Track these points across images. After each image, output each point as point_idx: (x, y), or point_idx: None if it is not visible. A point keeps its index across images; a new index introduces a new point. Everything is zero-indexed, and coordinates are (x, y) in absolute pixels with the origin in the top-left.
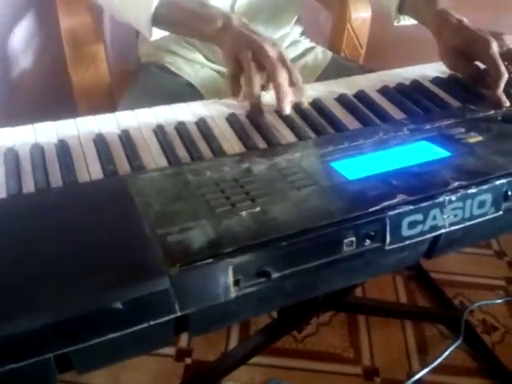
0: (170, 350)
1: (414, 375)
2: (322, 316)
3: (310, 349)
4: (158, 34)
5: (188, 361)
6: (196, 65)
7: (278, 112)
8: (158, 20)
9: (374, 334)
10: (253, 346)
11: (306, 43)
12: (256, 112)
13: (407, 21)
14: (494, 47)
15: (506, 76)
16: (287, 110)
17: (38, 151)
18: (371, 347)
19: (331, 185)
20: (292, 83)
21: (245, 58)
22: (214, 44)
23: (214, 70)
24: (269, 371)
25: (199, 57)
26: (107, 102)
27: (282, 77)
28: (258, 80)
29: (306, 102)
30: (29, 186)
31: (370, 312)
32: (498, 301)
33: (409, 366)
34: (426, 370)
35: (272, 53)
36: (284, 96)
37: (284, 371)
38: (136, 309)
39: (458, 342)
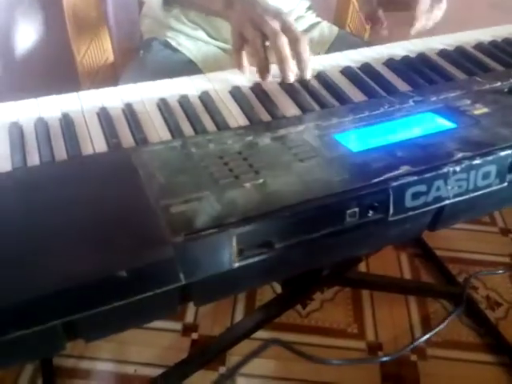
0: (176, 325)
1: (415, 349)
2: (326, 292)
3: (315, 324)
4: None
5: (194, 336)
6: (198, 42)
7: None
8: None
9: (378, 310)
10: (257, 321)
11: (311, 18)
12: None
13: None
14: None
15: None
16: (290, 77)
17: (42, 125)
18: (375, 323)
19: (335, 157)
20: (296, 52)
21: (249, 33)
22: (222, 19)
23: (217, 47)
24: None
25: (201, 34)
26: (110, 79)
27: (281, 41)
28: (260, 48)
29: (309, 75)
30: (33, 160)
31: (373, 287)
32: (500, 272)
33: (412, 341)
34: (426, 337)
35: (272, 21)
36: (284, 62)
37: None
38: (141, 277)
39: (459, 311)
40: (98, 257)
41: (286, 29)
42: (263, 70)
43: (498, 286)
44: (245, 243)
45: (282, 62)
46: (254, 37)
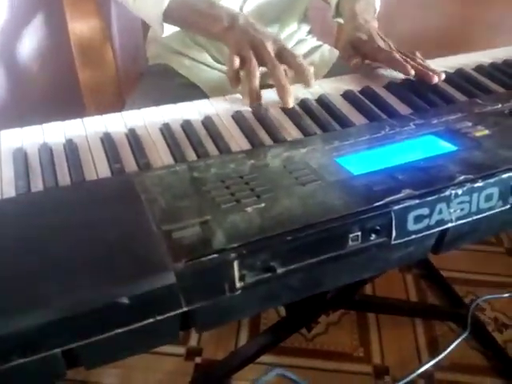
0: (179, 350)
1: (423, 373)
2: (331, 315)
3: (320, 348)
4: (168, 30)
5: (198, 360)
6: (203, 66)
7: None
8: (168, 16)
9: (384, 333)
10: (262, 345)
11: (312, 42)
12: (257, 106)
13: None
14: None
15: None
16: (290, 103)
17: (46, 150)
18: (381, 346)
19: (336, 180)
20: (297, 72)
21: (247, 55)
22: (220, 42)
23: (222, 72)
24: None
25: (207, 57)
26: (116, 103)
27: (280, 71)
28: (257, 74)
29: (312, 83)
30: (37, 185)
31: (379, 310)
32: (506, 295)
33: (419, 364)
34: (431, 363)
35: (271, 48)
36: (283, 90)
37: (294, 370)
38: (142, 304)
39: (465, 335)
40: (99, 283)
41: (283, 55)
42: (253, 93)
43: (506, 308)
44: (246, 268)
45: (280, 92)
46: (252, 58)
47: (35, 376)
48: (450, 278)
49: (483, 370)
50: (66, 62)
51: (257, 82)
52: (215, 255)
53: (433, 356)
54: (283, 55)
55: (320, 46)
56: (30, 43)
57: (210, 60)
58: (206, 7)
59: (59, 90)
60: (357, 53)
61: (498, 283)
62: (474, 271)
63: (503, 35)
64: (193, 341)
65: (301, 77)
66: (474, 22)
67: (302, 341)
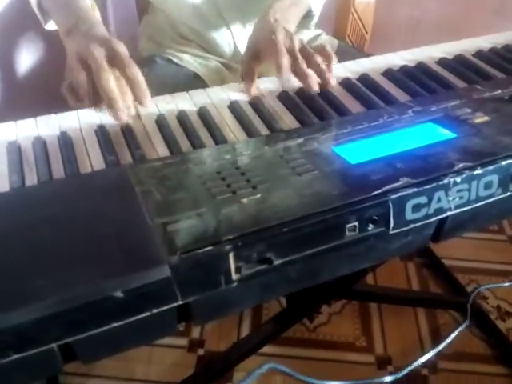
0: (182, 342)
1: (426, 362)
2: (333, 305)
3: (322, 338)
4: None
5: (200, 352)
6: (197, 58)
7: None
8: (42, 8)
9: (387, 322)
10: (264, 335)
11: (312, 30)
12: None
13: None
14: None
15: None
16: (123, 118)
17: (40, 144)
18: (384, 335)
19: (333, 170)
20: (128, 83)
21: (73, 65)
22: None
23: (217, 61)
24: (281, 361)
25: (197, 49)
26: None
27: (104, 78)
28: (110, 78)
29: (148, 104)
30: (31, 179)
31: (381, 300)
32: (507, 283)
33: (422, 353)
34: (434, 352)
35: (98, 52)
36: (112, 102)
37: (296, 361)
38: (137, 297)
39: (465, 324)
40: (93, 277)
41: (115, 62)
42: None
43: (509, 296)
44: (243, 260)
45: (108, 101)
46: (79, 69)
47: (32, 371)
48: (452, 266)
49: (486, 358)
50: (62, 58)
51: (112, 87)
52: (211, 247)
53: (435, 345)
54: (114, 62)
55: (319, 35)
56: (25, 40)
57: (200, 51)
58: (62, 4)
59: (55, 87)
60: (257, 61)
61: (501, 271)
62: (476, 259)
63: (503, 20)
64: (195, 332)
65: (132, 89)
66: (474, 7)
67: (304, 331)
